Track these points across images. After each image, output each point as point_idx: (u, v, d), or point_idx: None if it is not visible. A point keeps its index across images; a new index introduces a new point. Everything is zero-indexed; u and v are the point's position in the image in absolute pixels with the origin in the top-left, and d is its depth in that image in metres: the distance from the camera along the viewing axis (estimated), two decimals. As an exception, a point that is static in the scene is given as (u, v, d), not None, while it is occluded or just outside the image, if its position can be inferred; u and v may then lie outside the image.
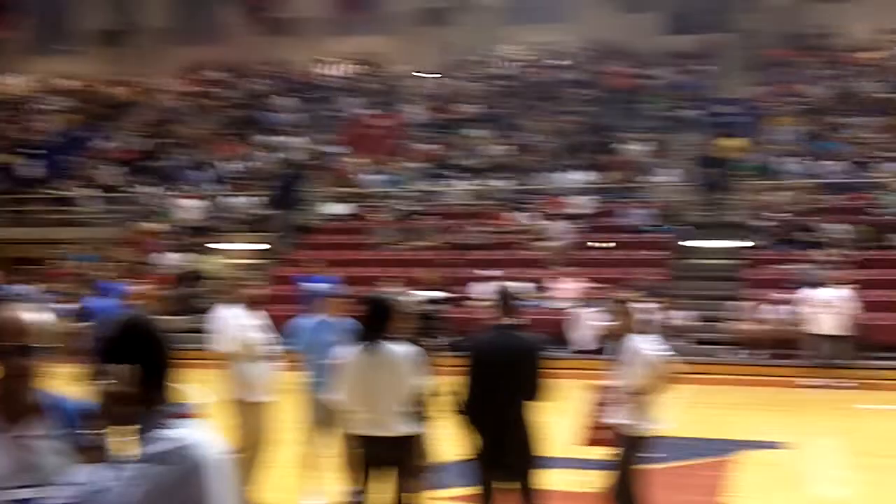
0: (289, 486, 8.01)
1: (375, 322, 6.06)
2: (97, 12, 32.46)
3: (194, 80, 30.70)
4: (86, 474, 2.48)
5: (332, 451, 7.56)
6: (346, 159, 25.23)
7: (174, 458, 2.42)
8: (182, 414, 2.57)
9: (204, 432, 2.54)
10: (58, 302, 16.87)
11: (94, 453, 2.54)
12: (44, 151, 28.09)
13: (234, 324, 7.62)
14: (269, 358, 7.86)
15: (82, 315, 11.75)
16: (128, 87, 31.03)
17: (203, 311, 20.13)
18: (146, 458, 2.43)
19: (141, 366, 2.54)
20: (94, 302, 13.41)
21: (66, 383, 2.88)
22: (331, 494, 7.76)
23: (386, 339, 6.03)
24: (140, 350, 2.57)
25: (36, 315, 2.74)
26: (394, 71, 29.27)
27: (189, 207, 23.60)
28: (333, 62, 30.35)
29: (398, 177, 24.11)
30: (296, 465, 8.11)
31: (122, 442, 2.53)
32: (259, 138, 26.63)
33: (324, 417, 7.55)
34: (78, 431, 2.60)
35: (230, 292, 7.94)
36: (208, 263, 21.09)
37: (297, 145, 25.96)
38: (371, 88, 28.83)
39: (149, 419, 2.50)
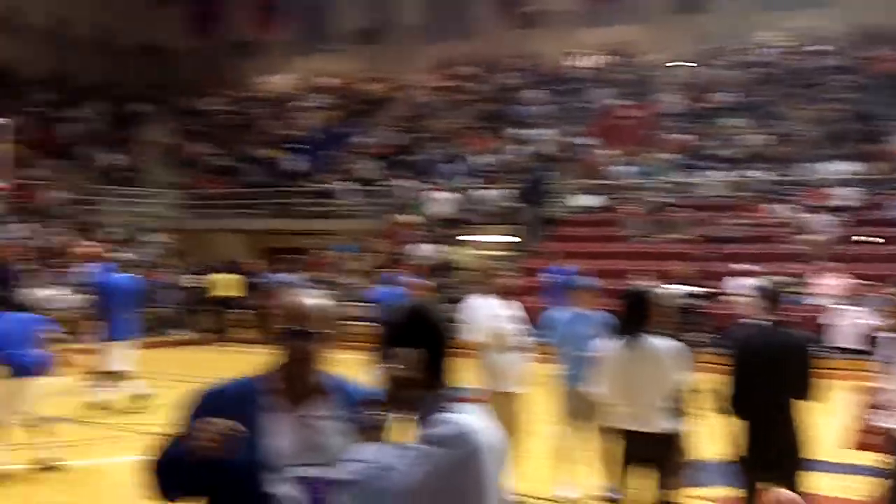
0: (542, 477, 7.98)
1: (635, 316, 5.92)
2: (355, 12, 33.72)
3: (447, 75, 31.33)
4: (369, 454, 2.54)
5: (587, 444, 7.47)
6: (596, 151, 25.03)
7: (454, 441, 2.47)
8: (461, 399, 2.61)
9: (481, 418, 2.58)
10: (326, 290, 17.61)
11: (376, 434, 2.60)
12: (306, 147, 29.51)
13: (487, 314, 7.65)
14: (521, 349, 7.85)
15: (368, 303, 12.22)
16: (384, 83, 32.06)
17: (455, 301, 20.66)
18: (427, 441, 2.49)
19: (426, 351, 2.61)
20: (379, 291, 14.01)
21: (348, 367, 2.95)
22: (584, 487, 7.67)
23: (646, 333, 5.88)
24: (425, 336, 2.65)
25: (317, 301, 2.84)
26: (646, 60, 28.77)
27: (442, 200, 24.10)
28: (584, 53, 30.16)
29: (650, 168, 23.69)
30: (549, 456, 8.07)
31: (405, 424, 2.59)
32: (510, 131, 26.84)
33: (579, 410, 7.47)
34: (360, 413, 2.66)
35: (483, 283, 7.99)
36: (460, 255, 21.46)
37: (548, 138, 25.99)
38: (623, 79, 28.46)
39: (431, 403, 2.57)
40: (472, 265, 19.53)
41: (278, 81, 34.75)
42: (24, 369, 8.73)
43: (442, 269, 21.34)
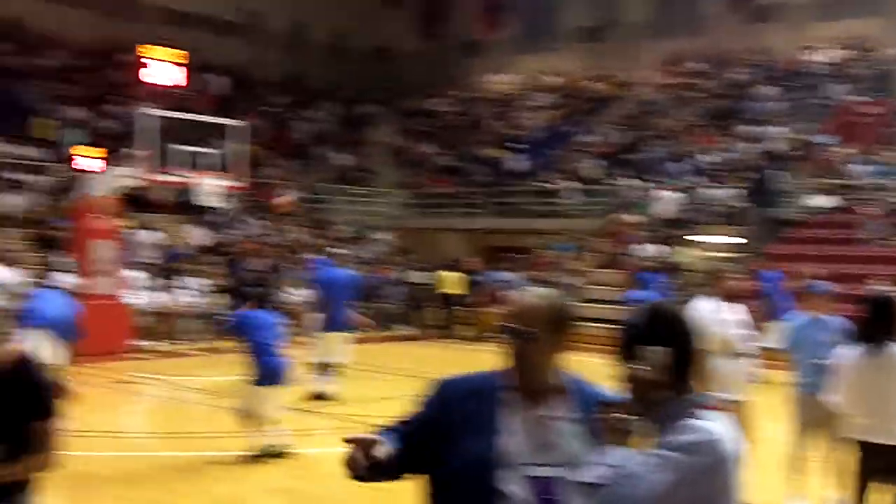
0: (773, 487, 7.64)
1: (878, 322, 5.58)
2: (580, 10, 33.53)
3: (674, 71, 30.68)
4: (612, 457, 2.48)
5: (821, 454, 7.11)
6: (832, 149, 23.86)
7: (702, 449, 2.40)
8: (709, 405, 2.51)
9: (726, 426, 2.49)
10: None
11: (619, 437, 2.53)
12: (529, 146, 29.62)
13: (712, 318, 7.40)
14: (748, 354, 7.57)
15: (628, 305, 12.18)
16: (608, 81, 31.74)
17: (680, 304, 20.20)
18: (673, 447, 2.41)
19: (673, 353, 2.53)
20: (637, 293, 13.93)
21: (584, 368, 2.88)
22: (818, 499, 7.31)
23: (891, 340, 5.53)
24: (672, 337, 2.56)
25: (547, 300, 2.79)
26: (885, 55, 27.21)
27: (666, 199, 23.61)
28: (820, 48, 28.83)
29: (889, 167, 22.37)
30: (781, 466, 7.72)
31: (649, 429, 2.52)
32: (740, 129, 26.00)
33: (813, 418, 7.11)
34: (600, 415, 2.60)
35: (709, 285, 7.76)
36: (684, 256, 20.97)
37: (779, 135, 25.00)
38: (860, 74, 27.03)
39: (676, 408, 2.50)
40: (697, 267, 19.04)
41: (503, 81, 35.02)
42: (278, 370, 9.19)
43: (665, 270, 20.89)
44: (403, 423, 2.88)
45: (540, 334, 2.73)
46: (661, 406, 2.50)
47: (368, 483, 2.74)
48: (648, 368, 2.52)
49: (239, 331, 9.26)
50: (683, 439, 2.40)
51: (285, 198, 12.63)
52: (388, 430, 2.83)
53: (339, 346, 12.76)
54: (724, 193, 23.14)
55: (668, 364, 2.51)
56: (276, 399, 9.26)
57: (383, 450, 2.68)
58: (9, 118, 24.08)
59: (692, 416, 2.46)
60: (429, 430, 2.81)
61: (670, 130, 27.38)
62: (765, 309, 14.55)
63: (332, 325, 12.64)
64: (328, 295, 12.67)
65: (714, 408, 2.52)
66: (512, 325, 2.75)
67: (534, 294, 2.85)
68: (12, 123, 23.76)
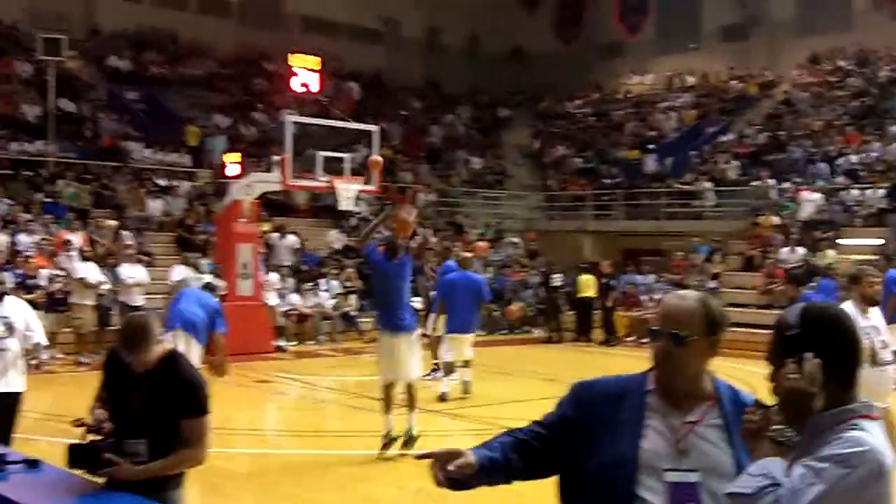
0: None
1: None
2: (722, 8, 32.79)
3: (818, 70, 29.76)
4: (759, 467, 2.36)
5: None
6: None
7: (856, 460, 2.27)
8: (864, 415, 2.38)
9: (881, 436, 2.36)
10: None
11: (768, 447, 2.41)
12: (666, 147, 29.18)
13: (857, 324, 7.18)
14: (890, 361, 7.34)
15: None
16: (750, 80, 31.00)
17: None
18: (826, 458, 2.28)
19: (826, 360, 2.37)
20: (810, 295, 13.58)
21: (732, 374, 2.82)
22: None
23: None
24: (828, 343, 2.41)
25: (697, 302, 2.74)
26: None
27: (808, 200, 22.93)
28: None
29: None
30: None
31: (799, 438, 2.39)
32: (885, 128, 25.05)
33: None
34: (748, 422, 2.50)
35: (852, 290, 7.55)
36: (826, 259, 20.35)
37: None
38: None
39: (830, 417, 2.36)
40: (839, 270, 18.45)
41: (641, 81, 34.59)
42: None
43: (806, 273, 20.30)
44: (538, 424, 2.86)
45: (693, 338, 2.68)
46: (814, 415, 2.36)
47: (463, 490, 2.73)
48: (800, 377, 2.36)
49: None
50: (837, 451, 2.28)
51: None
52: (499, 438, 2.82)
53: (463, 347, 12.94)
54: (868, 194, 22.36)
55: (823, 372, 2.35)
56: None
57: (462, 462, 2.65)
58: (158, 126, 25.11)
59: (846, 426, 2.33)
60: (564, 432, 2.79)
61: (813, 130, 26.58)
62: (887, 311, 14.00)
63: (458, 326, 12.83)
64: (453, 297, 12.86)
65: (870, 417, 2.39)
66: (664, 328, 2.71)
67: (687, 297, 2.79)
68: (161, 131, 24.76)
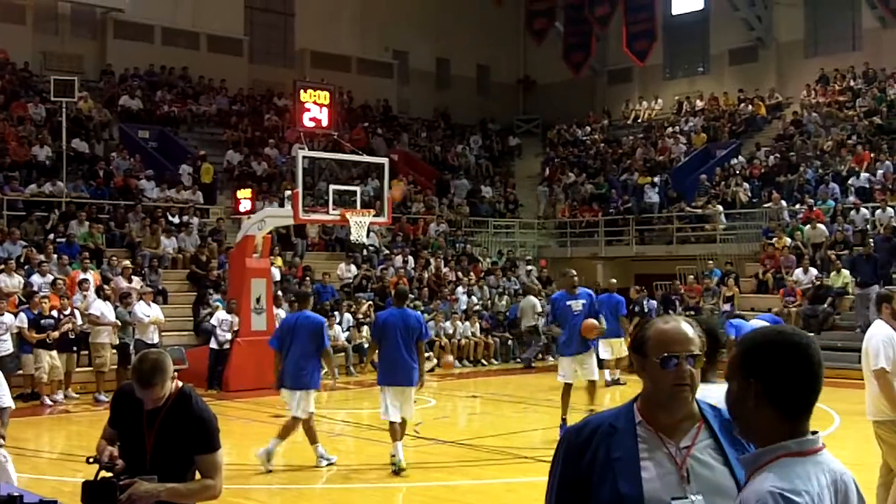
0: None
1: None
2: (730, 32, 32.84)
3: (825, 90, 29.77)
4: (753, 488, 2.26)
5: None
6: None
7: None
8: (795, 452, 2.29)
9: (813, 474, 2.27)
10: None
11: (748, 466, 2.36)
12: (678, 170, 29.14)
13: (886, 341, 7.17)
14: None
15: None
16: (760, 102, 31.02)
17: (835, 328, 19.52)
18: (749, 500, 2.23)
19: (763, 383, 2.31)
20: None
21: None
22: None
23: None
24: (767, 366, 2.32)
25: (693, 327, 2.73)
26: None
27: (818, 222, 22.85)
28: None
29: None
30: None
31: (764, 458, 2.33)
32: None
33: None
34: (736, 442, 2.53)
35: (880, 309, 7.54)
36: (838, 280, 20.27)
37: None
38: None
39: (761, 454, 2.31)
40: (851, 290, 18.37)
41: (650, 106, 34.66)
42: None
43: (820, 294, 20.23)
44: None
45: (686, 361, 2.67)
46: (745, 454, 2.37)
47: None
48: (737, 399, 2.35)
49: None
50: (753, 495, 2.22)
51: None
52: None
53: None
54: (878, 214, 22.27)
55: (759, 394, 2.30)
56: None
57: None
58: (171, 163, 25.28)
59: (773, 464, 2.27)
60: (574, 490, 2.71)
61: (823, 150, 26.56)
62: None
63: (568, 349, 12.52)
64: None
65: (802, 454, 2.30)
66: (660, 353, 2.68)
67: (684, 321, 2.77)
68: (173, 169, 24.92)
